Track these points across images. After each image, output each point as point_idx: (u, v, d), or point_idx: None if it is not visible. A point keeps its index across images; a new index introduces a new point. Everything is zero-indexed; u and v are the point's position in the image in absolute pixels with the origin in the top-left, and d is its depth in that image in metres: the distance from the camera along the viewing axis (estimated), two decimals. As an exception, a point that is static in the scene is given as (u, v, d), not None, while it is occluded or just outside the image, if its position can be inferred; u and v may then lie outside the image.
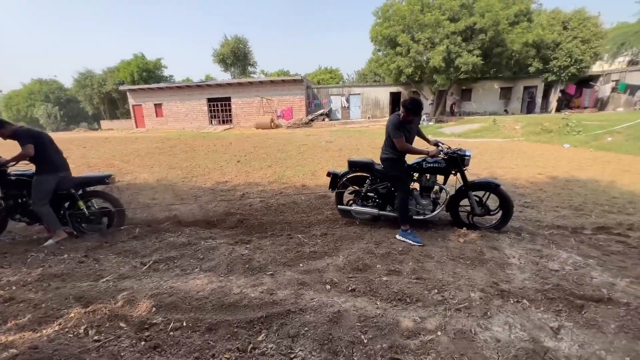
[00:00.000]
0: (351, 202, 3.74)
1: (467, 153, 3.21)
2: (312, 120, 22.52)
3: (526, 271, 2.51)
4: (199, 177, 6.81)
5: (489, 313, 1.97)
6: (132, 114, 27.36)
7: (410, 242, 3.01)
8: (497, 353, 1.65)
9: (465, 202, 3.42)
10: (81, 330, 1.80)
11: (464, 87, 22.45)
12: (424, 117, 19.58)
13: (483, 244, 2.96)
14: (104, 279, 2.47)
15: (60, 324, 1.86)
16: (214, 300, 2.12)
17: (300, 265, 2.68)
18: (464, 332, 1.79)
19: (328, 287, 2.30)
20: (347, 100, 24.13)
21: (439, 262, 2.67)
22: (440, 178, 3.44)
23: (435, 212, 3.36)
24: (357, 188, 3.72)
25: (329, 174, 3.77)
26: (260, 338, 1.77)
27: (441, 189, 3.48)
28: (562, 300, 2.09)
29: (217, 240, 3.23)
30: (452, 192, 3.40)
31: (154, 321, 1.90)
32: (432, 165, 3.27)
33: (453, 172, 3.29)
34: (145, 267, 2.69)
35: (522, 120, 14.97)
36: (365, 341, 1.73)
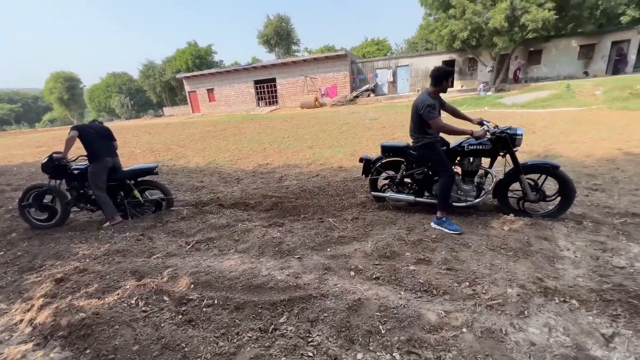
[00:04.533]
0: (386, 187, 3.61)
1: (518, 132, 2.84)
2: (356, 96, 21.85)
3: (581, 267, 2.21)
4: (243, 159, 7.17)
5: (526, 312, 1.79)
6: (188, 100, 29.47)
7: (446, 230, 2.82)
8: (529, 357, 1.50)
9: (516, 186, 3.07)
10: (133, 301, 2.08)
11: (531, 49, 19.51)
12: (481, 86, 17.67)
13: (531, 233, 2.66)
14: (155, 256, 2.80)
15: (118, 294, 2.17)
16: (243, 280, 2.27)
17: (328, 250, 2.71)
18: (493, 331, 1.66)
19: (352, 273, 2.30)
20: (394, 75, 22.78)
21: (476, 251, 2.48)
22: (485, 161, 3.12)
23: (480, 199, 3.08)
24: (392, 173, 3.56)
25: (361, 160, 3.66)
26: (281, 320, 1.86)
27: (487, 173, 3.16)
28: (622, 303, 1.80)
29: (252, 223, 3.41)
30: (501, 175, 3.07)
31: (191, 297, 2.10)
32: (475, 147, 2.96)
33: (501, 153, 2.95)
34: (189, 246, 2.97)
35: (606, 83, 12.64)
36: (383, 332, 1.71)
